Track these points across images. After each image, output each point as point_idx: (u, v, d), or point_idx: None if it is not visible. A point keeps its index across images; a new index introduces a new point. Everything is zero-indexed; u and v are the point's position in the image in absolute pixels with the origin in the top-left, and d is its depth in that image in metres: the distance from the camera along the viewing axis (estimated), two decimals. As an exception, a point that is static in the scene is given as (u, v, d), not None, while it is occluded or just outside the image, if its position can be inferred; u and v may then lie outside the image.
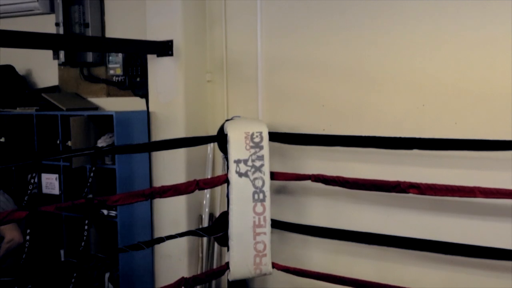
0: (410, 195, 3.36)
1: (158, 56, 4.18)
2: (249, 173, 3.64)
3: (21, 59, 5.07)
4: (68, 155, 3.74)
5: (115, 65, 4.65)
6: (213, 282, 4.32)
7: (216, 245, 4.26)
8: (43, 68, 5.12)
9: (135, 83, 4.56)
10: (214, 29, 4.28)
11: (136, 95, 4.59)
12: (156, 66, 4.23)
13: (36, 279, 3.21)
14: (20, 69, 5.14)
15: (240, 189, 3.64)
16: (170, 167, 4.20)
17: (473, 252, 3.34)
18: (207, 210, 4.28)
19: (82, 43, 3.79)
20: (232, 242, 3.67)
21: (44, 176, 4.68)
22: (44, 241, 4.66)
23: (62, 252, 4.69)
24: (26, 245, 3.11)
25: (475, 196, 3.17)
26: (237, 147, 3.63)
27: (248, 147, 3.63)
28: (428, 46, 3.48)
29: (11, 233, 3.91)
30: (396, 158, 3.60)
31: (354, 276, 3.66)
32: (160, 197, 3.49)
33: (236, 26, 4.21)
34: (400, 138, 3.46)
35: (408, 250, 3.55)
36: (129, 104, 4.58)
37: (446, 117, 3.46)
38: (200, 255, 4.29)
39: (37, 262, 4.38)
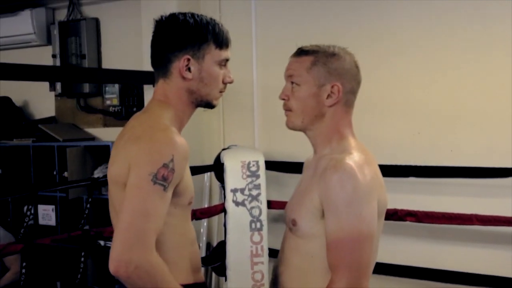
0: (407, 223, 3.36)
1: (154, 86, 4.20)
2: (246, 202, 3.63)
3: (18, 91, 5.08)
4: (64, 186, 3.75)
5: (112, 95, 4.67)
6: (211, 313, 4.29)
7: (213, 275, 4.23)
8: (40, 99, 5.14)
9: (132, 113, 4.54)
10: (210, 59, 4.30)
11: (132, 125, 4.60)
12: (153, 96, 4.24)
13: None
14: (17, 100, 5.16)
15: (237, 218, 3.63)
16: (167, 197, 4.18)
17: (471, 280, 3.32)
18: (204, 239, 4.26)
19: (79, 75, 3.82)
20: (229, 272, 3.65)
21: (41, 207, 4.67)
22: (41, 272, 4.63)
23: (58, 284, 4.66)
24: (22, 278, 3.09)
25: (472, 224, 3.17)
26: (234, 176, 3.63)
27: (244, 176, 3.64)
28: (424, 73, 3.51)
29: (18, 266, 3.90)
30: (393, 186, 3.56)
31: (352, 305, 3.63)
32: (157, 227, 3.47)
33: (232, 54, 4.23)
34: (396, 166, 3.47)
35: (406, 278, 3.53)
36: (126, 134, 4.59)
37: (442, 145, 3.47)
38: (198, 285, 4.25)
39: (33, 294, 4.34)
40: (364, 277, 1.61)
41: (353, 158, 1.65)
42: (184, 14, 1.75)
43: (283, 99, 1.77)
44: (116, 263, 1.52)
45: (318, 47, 1.79)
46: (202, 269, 4.18)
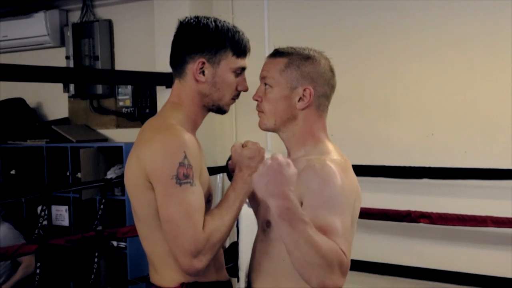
0: (421, 224, 3.34)
1: (167, 87, 4.21)
2: (259, 204, 3.63)
3: (32, 92, 5.12)
4: (78, 187, 3.76)
5: (125, 96, 4.69)
6: (223, 314, 4.28)
7: (226, 276, 4.23)
8: (53, 101, 5.17)
9: (145, 114, 4.59)
10: (222, 60, 4.30)
11: (145, 126, 4.61)
12: (165, 97, 4.21)
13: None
14: (31, 101, 5.19)
15: (250, 219, 3.63)
16: (180, 198, 4.18)
17: (486, 283, 3.30)
18: (216, 240, 4.27)
19: (92, 76, 3.83)
20: (242, 273, 3.64)
21: (54, 208, 4.69)
22: (54, 272, 4.65)
23: (71, 284, 4.68)
24: (36, 279, 3.11)
25: (487, 226, 3.15)
26: (246, 178, 3.63)
27: (257, 177, 3.63)
28: (437, 75, 3.49)
29: (29, 259, 3.93)
30: (406, 188, 3.58)
31: (365, 307, 3.62)
32: (170, 228, 3.48)
33: (244, 56, 4.24)
34: (410, 167, 3.45)
35: (419, 280, 3.51)
36: (139, 135, 4.60)
37: (456, 146, 3.44)
38: (210, 286, 4.25)
39: (47, 294, 4.36)
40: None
41: (335, 161, 1.63)
42: (208, 18, 1.76)
43: (256, 100, 1.76)
44: (192, 271, 1.60)
45: (294, 49, 1.75)
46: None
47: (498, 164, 3.24)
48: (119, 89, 4.71)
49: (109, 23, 4.79)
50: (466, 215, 3.19)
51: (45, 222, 4.56)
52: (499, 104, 3.31)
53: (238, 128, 4.26)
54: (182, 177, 1.59)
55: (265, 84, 1.74)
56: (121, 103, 4.71)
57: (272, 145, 4.11)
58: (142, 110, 4.62)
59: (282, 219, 1.42)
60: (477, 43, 3.37)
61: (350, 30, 3.79)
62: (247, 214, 3.60)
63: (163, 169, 1.59)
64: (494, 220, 3.11)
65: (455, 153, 3.44)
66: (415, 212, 3.31)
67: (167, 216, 1.59)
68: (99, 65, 4.69)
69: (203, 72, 1.73)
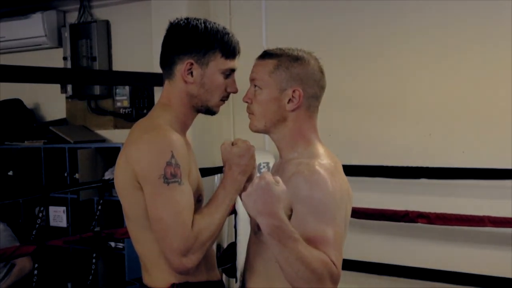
0: (419, 224, 3.34)
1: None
2: (257, 204, 3.63)
3: (29, 93, 5.11)
4: (75, 188, 3.75)
5: (122, 97, 4.68)
6: (222, 315, 4.28)
7: (224, 276, 4.23)
8: (51, 101, 5.16)
9: (142, 115, 4.55)
10: (220, 61, 4.30)
11: (143, 127, 4.61)
12: (163, 98, 4.25)
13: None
14: (28, 102, 5.19)
15: (248, 220, 3.63)
16: (178, 199, 4.18)
17: (483, 282, 3.30)
18: (214, 241, 4.26)
19: (89, 77, 3.82)
20: (239, 273, 3.65)
21: (52, 209, 4.68)
22: (52, 273, 4.65)
23: (69, 285, 4.67)
24: (34, 280, 3.10)
25: (484, 226, 3.16)
26: (244, 178, 3.63)
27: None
28: (435, 76, 3.49)
29: (23, 260, 3.93)
30: (404, 188, 3.58)
31: (363, 307, 3.62)
32: (168, 229, 3.48)
33: (241, 57, 4.23)
34: (407, 167, 3.46)
35: (417, 280, 3.52)
36: (136, 136, 4.60)
37: (453, 146, 3.45)
38: (208, 287, 4.25)
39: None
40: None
41: (324, 166, 1.63)
42: (198, 19, 1.76)
43: (246, 102, 1.76)
44: (181, 270, 1.61)
45: (283, 51, 1.75)
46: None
47: (496, 164, 3.25)
48: (117, 90, 4.71)
49: (107, 23, 4.79)
50: (464, 215, 3.20)
51: (42, 223, 4.57)
52: (497, 104, 3.32)
53: (236, 128, 4.26)
54: (170, 176, 1.59)
55: (255, 86, 1.74)
56: (118, 104, 4.71)
57: (270, 146, 4.11)
58: (140, 111, 4.61)
59: (271, 237, 1.47)
60: (475, 44, 3.37)
61: (348, 31, 3.79)
62: (245, 215, 3.61)
63: (150, 169, 1.60)
64: (492, 220, 3.12)
65: (452, 153, 3.44)
66: (413, 212, 3.31)
67: (155, 216, 1.60)
68: (96, 65, 4.69)
69: (191, 73, 1.73)
